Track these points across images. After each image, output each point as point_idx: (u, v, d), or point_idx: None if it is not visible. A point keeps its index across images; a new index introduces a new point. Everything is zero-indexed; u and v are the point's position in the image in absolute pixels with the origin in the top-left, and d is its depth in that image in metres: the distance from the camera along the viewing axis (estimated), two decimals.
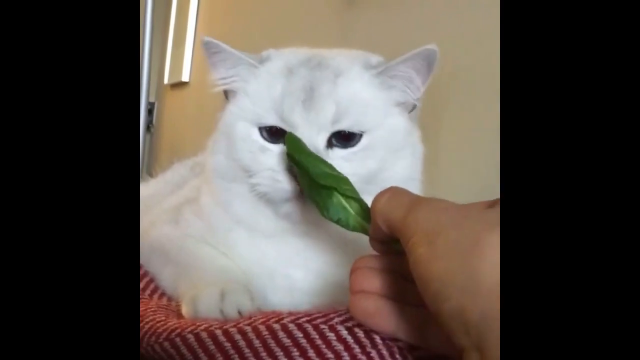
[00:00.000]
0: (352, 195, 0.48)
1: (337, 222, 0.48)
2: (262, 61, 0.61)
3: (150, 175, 1.04)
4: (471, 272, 0.32)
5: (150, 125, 1.57)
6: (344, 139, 0.57)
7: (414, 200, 0.39)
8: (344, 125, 0.56)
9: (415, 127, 0.62)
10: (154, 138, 2.26)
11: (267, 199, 0.57)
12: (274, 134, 0.58)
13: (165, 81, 2.35)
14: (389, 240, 0.42)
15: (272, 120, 0.58)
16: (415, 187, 0.60)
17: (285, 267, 0.59)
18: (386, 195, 0.42)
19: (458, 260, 0.33)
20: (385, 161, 0.58)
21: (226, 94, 0.64)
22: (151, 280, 0.64)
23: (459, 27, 0.83)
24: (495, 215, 0.35)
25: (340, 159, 0.56)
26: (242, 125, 0.59)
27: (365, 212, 0.46)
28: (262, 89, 0.59)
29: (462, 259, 0.33)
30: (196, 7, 2.14)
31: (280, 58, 0.61)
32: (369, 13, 1.06)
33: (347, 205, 0.47)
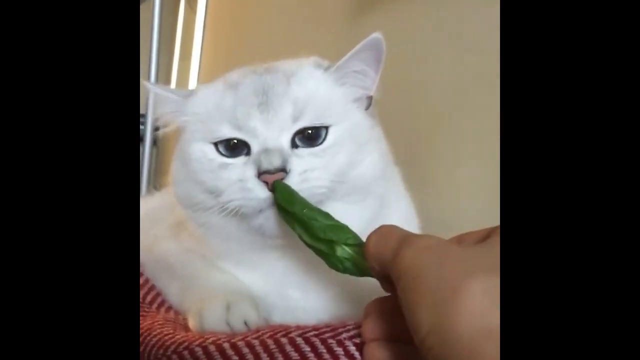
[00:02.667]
0: (354, 243, 0.46)
1: (344, 271, 0.46)
2: (191, 94, 0.59)
3: (156, 188, 1.05)
4: (449, 322, 0.32)
5: (156, 138, 1.58)
6: (309, 139, 0.54)
7: (401, 240, 0.39)
8: (306, 122, 0.54)
9: (376, 123, 0.60)
10: (160, 151, 2.27)
11: (240, 215, 0.54)
12: (232, 148, 0.55)
13: None
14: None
15: (227, 132, 0.55)
16: (384, 187, 0.59)
17: (283, 287, 0.58)
18: (374, 237, 0.42)
19: (437, 309, 0.33)
20: (355, 155, 0.55)
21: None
22: (158, 294, 0.64)
23: (478, 26, 0.83)
24: (479, 255, 0.35)
25: (309, 156, 0.54)
26: (196, 146, 0.57)
27: None
28: (210, 108, 0.57)
29: (441, 308, 0.33)
30: (202, 20, 2.16)
31: (216, 82, 0.60)
32: (383, 16, 1.07)
33: (351, 253, 0.46)
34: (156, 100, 0.60)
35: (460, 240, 0.42)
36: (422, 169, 0.92)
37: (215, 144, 0.55)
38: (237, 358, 0.47)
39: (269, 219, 0.53)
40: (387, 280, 0.40)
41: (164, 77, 2.41)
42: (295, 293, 0.58)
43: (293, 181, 0.52)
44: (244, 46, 1.80)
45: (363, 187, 0.56)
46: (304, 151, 0.54)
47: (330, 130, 0.55)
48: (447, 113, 0.90)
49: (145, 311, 0.60)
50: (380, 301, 0.45)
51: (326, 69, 0.57)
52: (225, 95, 0.56)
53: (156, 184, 1.09)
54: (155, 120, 0.61)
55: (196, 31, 2.16)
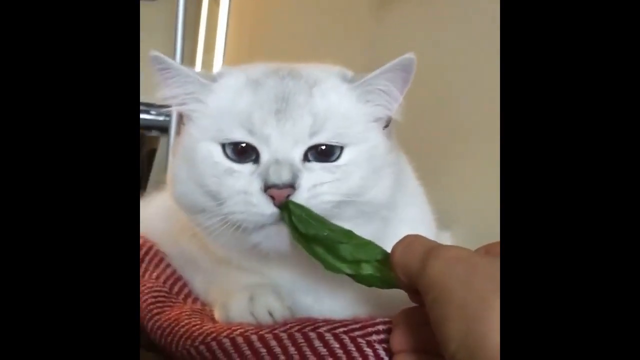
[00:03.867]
0: (381, 258, 0.45)
1: (371, 286, 0.46)
2: (215, 78, 0.56)
3: None
4: (480, 337, 0.32)
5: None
6: (323, 154, 0.52)
7: (428, 251, 0.38)
8: (323, 138, 0.51)
9: (394, 145, 0.58)
10: None
11: (241, 229, 0.51)
12: (240, 152, 0.52)
13: None
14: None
15: (239, 135, 0.52)
16: (390, 211, 0.56)
17: (294, 293, 0.57)
18: (401, 247, 0.41)
19: (467, 324, 0.33)
20: (368, 179, 0.52)
21: (182, 117, 0.58)
22: (185, 285, 0.64)
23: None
24: None
25: (320, 170, 0.51)
26: (203, 145, 0.53)
27: None
28: (224, 104, 0.54)
29: (471, 323, 0.33)
30: (226, 14, 2.16)
31: (239, 72, 0.56)
32: (404, 12, 1.06)
33: (377, 266, 0.45)
34: (174, 77, 0.54)
35: (487, 251, 0.42)
36: (439, 164, 0.91)
37: (223, 145, 0.53)
38: (264, 350, 0.47)
39: (269, 238, 0.51)
40: (414, 291, 0.40)
41: None
42: (307, 299, 0.57)
43: (301, 197, 0.49)
44: (267, 39, 1.80)
45: (371, 212, 0.54)
46: (315, 165, 0.52)
47: (346, 150, 0.52)
48: (471, 110, 0.89)
49: (172, 302, 0.60)
50: (408, 312, 0.45)
51: (351, 81, 0.55)
52: (243, 92, 0.53)
53: None
54: (167, 99, 0.55)
55: (220, 24, 2.16)
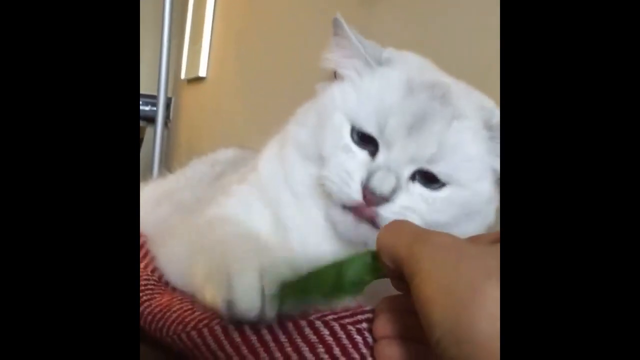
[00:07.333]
0: (373, 268, 0.43)
1: (361, 284, 0.44)
2: (381, 62, 0.58)
3: (169, 170, 1.05)
4: (467, 324, 0.32)
5: (167, 120, 1.59)
6: (427, 178, 0.53)
7: (415, 235, 0.38)
8: (436, 169, 0.53)
9: (497, 195, 0.57)
10: (171, 133, 2.27)
11: (328, 195, 0.55)
12: (364, 139, 0.55)
13: (182, 77, 2.36)
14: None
15: (370, 128, 0.54)
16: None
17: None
18: (387, 231, 0.41)
19: (455, 309, 0.32)
20: (455, 219, 0.54)
21: (335, 73, 0.62)
22: None
23: (487, 23, 0.83)
24: (495, 257, 0.34)
25: (418, 196, 0.53)
26: (338, 116, 0.57)
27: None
28: (374, 92, 0.56)
29: (458, 308, 0.32)
30: (213, 3, 2.15)
31: (403, 67, 0.58)
32: (393, 7, 1.06)
33: (361, 263, 0.43)
34: (346, 47, 0.59)
35: (474, 241, 0.42)
36: None
37: (353, 127, 0.56)
38: (255, 338, 0.47)
39: (348, 226, 0.54)
40: (399, 277, 0.40)
41: (174, 59, 2.40)
42: None
43: (390, 209, 0.51)
44: (254, 29, 1.80)
45: None
46: (417, 188, 0.53)
47: (448, 187, 0.54)
48: None
49: (161, 289, 0.61)
50: (392, 299, 0.45)
51: (492, 129, 0.55)
52: (395, 91, 0.55)
53: (168, 165, 1.09)
54: (331, 61, 0.61)
55: (207, 13, 2.15)
